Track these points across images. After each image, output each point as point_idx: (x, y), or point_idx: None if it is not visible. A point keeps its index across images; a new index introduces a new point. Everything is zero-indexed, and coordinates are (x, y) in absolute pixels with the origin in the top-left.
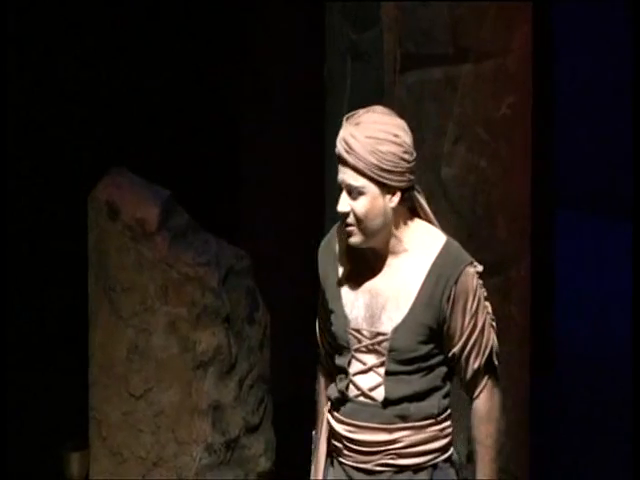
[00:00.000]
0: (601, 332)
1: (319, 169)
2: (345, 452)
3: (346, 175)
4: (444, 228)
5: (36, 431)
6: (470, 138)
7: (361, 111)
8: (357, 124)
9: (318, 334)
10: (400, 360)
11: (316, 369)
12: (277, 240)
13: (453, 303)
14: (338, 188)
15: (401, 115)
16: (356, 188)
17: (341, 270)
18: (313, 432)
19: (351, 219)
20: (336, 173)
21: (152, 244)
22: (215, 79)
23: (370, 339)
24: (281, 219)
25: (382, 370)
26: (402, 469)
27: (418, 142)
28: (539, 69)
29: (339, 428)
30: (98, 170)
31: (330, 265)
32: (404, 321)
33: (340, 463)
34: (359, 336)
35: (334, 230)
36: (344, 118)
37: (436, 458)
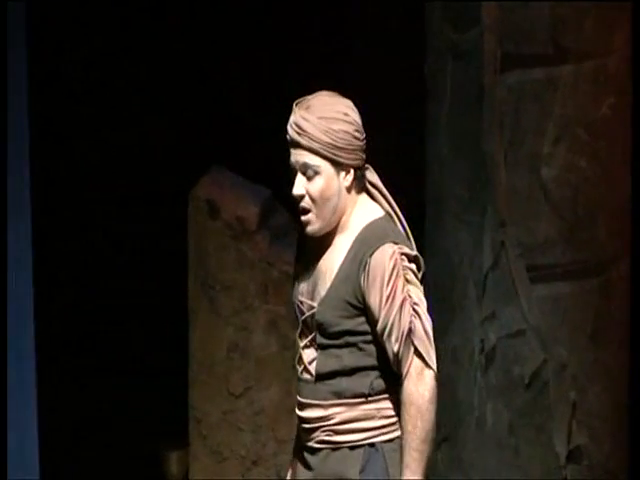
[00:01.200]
0: None
1: (420, 167)
2: (300, 432)
3: (300, 156)
4: (545, 228)
5: (137, 430)
6: (570, 138)
7: (309, 97)
8: (307, 108)
9: None
10: (327, 334)
11: None
12: None
13: (368, 278)
14: (291, 172)
15: (501, 116)
16: (312, 167)
17: (307, 249)
18: None
19: (306, 202)
20: (437, 172)
21: (252, 243)
22: (317, 80)
23: (308, 311)
24: None
25: (317, 344)
26: (338, 446)
27: (518, 142)
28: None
29: (295, 408)
30: (199, 169)
31: (303, 248)
32: (327, 295)
33: (301, 446)
34: (302, 308)
35: None
36: (294, 104)
37: (373, 437)
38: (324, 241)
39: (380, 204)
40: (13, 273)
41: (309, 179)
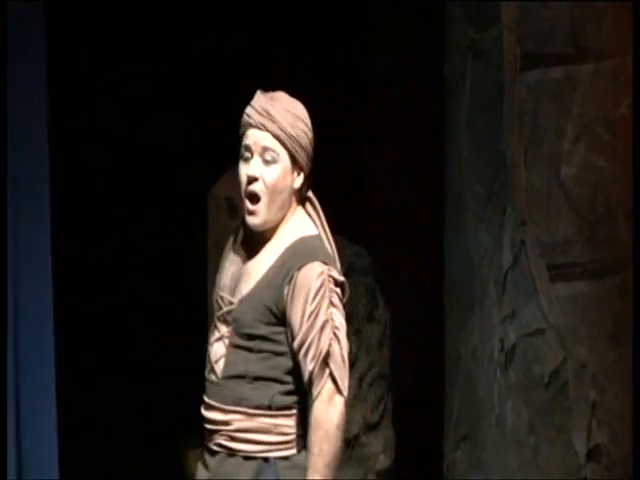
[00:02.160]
0: None
1: (439, 167)
2: (203, 430)
3: (263, 139)
4: (564, 227)
5: (154, 429)
6: (590, 138)
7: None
8: (272, 98)
9: None
10: (240, 333)
11: None
12: (397, 238)
13: (293, 292)
14: (243, 155)
15: (520, 115)
16: (273, 152)
17: (235, 246)
18: None
19: (259, 188)
20: (457, 171)
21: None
22: (336, 78)
23: (226, 307)
24: (402, 217)
25: (227, 341)
26: (233, 453)
27: (537, 141)
28: None
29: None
30: (218, 167)
31: (233, 246)
32: (248, 295)
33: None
34: (221, 303)
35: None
36: (258, 90)
37: (267, 452)
38: (255, 242)
39: (314, 223)
40: (32, 274)
41: (266, 164)
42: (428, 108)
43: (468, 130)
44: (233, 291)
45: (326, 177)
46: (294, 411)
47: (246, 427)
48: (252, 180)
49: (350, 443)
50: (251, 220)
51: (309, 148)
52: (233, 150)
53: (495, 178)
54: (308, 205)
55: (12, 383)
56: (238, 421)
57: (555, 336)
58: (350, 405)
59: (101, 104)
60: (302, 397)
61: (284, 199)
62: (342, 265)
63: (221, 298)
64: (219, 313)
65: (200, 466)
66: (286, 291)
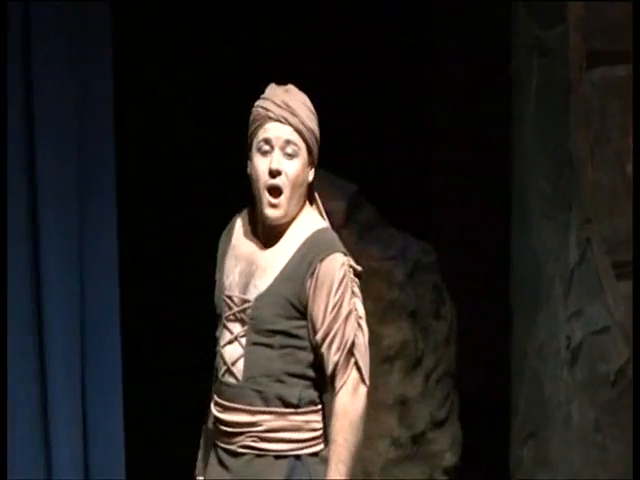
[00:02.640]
0: None
1: (505, 165)
2: (217, 434)
3: (284, 133)
4: (626, 224)
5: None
6: None
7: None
8: (286, 91)
9: None
10: (260, 330)
11: None
12: (464, 235)
13: (316, 284)
14: (265, 145)
15: (586, 112)
16: (294, 145)
17: (233, 244)
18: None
19: (281, 181)
20: (523, 169)
21: (340, 238)
22: (403, 76)
23: (238, 306)
24: (468, 214)
25: (245, 340)
26: (263, 453)
27: (603, 139)
28: None
29: (212, 408)
30: None
31: (228, 244)
32: (267, 290)
33: (215, 445)
34: (230, 303)
35: (235, 218)
36: (272, 84)
37: (299, 450)
38: (267, 238)
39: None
40: (99, 275)
41: (287, 157)
42: (494, 106)
43: (534, 128)
44: (244, 289)
45: (394, 175)
46: (319, 406)
47: (277, 426)
48: (276, 174)
49: (416, 440)
50: (272, 213)
51: (318, 141)
52: None
53: (561, 176)
54: (313, 199)
55: (78, 383)
56: (268, 421)
57: (620, 334)
58: (417, 402)
59: (167, 103)
60: (323, 391)
61: (302, 192)
62: (409, 262)
63: (229, 298)
64: (229, 313)
65: (217, 468)
66: (309, 283)
